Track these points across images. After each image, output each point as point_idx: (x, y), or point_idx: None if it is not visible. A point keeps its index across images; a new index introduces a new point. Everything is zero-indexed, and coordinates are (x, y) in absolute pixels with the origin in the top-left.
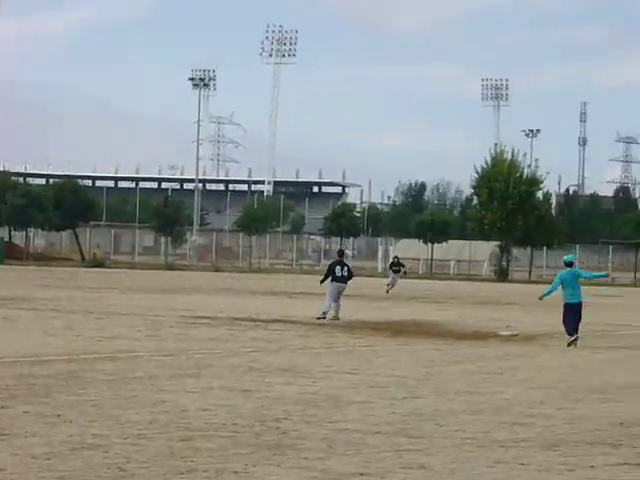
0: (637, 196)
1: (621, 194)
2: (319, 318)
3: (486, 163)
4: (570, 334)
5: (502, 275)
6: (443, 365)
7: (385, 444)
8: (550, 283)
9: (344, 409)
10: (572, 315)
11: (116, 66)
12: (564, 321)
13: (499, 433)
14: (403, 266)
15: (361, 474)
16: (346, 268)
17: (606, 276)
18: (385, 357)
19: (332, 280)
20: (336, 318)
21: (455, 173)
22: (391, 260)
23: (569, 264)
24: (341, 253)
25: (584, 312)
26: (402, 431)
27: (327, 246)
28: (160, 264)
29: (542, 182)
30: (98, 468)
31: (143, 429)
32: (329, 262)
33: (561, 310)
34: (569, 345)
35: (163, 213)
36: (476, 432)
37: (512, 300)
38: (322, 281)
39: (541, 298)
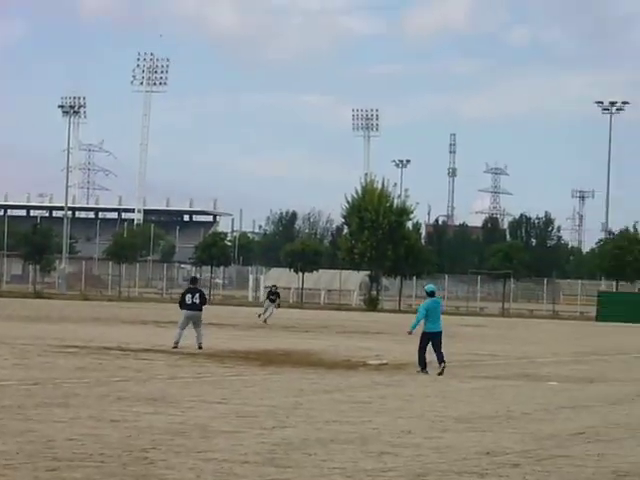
0: (505, 227)
1: (489, 225)
2: (174, 347)
3: (356, 193)
4: (422, 365)
5: (372, 304)
6: (313, 394)
7: (253, 474)
8: None
9: (213, 439)
10: (432, 344)
11: None
12: (420, 350)
13: (367, 462)
14: (279, 296)
15: None
16: (197, 295)
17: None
18: (255, 386)
19: (183, 308)
20: (199, 347)
21: (326, 202)
22: (269, 289)
23: (431, 294)
24: (194, 280)
25: (450, 342)
26: (270, 461)
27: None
28: (28, 292)
29: (412, 212)
30: None
31: (9, 459)
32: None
33: None
34: (419, 372)
35: (32, 241)
36: (344, 461)
37: (381, 329)
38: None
39: (410, 333)
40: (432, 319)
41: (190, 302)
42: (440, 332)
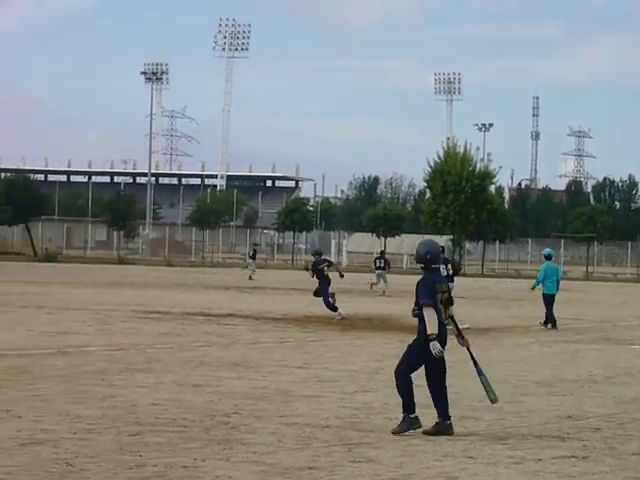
0: (589, 190)
1: (573, 188)
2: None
3: (439, 157)
4: (553, 322)
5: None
6: (394, 359)
7: (334, 438)
8: (505, 277)
9: (294, 403)
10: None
11: (68, 60)
12: (550, 309)
13: None
14: (388, 264)
15: (310, 468)
16: (449, 266)
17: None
18: (336, 351)
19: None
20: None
21: (408, 167)
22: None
23: (548, 257)
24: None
25: (534, 306)
26: (351, 425)
27: (280, 240)
28: (112, 258)
29: (495, 176)
30: (46, 463)
31: (93, 424)
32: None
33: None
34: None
35: (116, 207)
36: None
37: (464, 294)
38: None
39: (533, 289)
40: (549, 281)
41: (444, 273)
42: (554, 295)
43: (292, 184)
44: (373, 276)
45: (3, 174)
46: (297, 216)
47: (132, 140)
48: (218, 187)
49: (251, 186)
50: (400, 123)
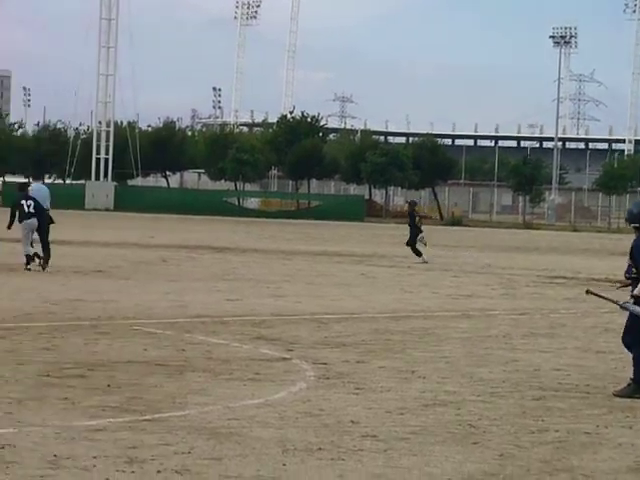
0: None
1: None
2: None
3: None
4: None
5: None
6: None
7: None
8: None
9: None
10: None
11: (471, 25)
12: None
13: None
14: None
15: None
16: None
17: None
18: None
19: None
20: None
21: None
22: None
23: None
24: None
25: None
26: None
27: None
28: (518, 223)
29: None
30: (449, 424)
31: (496, 387)
32: None
33: None
34: None
35: (522, 172)
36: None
37: None
38: None
39: None
40: None
41: None
42: None
43: None
44: None
45: (412, 138)
46: None
47: (539, 104)
48: (626, 152)
49: None
50: None
